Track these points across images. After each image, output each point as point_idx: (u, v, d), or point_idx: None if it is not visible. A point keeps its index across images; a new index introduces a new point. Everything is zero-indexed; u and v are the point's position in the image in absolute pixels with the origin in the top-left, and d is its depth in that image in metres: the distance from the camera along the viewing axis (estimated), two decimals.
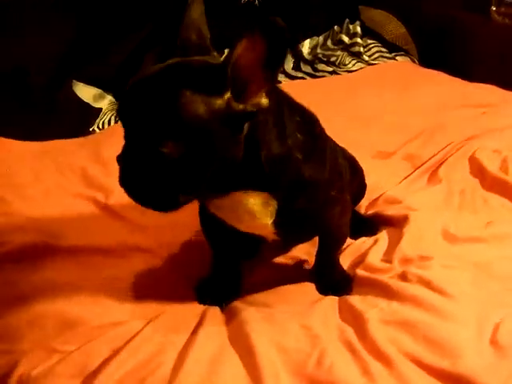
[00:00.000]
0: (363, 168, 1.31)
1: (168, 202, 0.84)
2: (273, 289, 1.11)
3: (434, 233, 1.22)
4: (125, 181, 0.84)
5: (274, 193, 0.90)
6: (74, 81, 1.88)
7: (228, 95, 0.78)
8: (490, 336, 0.95)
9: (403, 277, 1.09)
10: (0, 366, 0.97)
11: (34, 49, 1.81)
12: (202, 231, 1.12)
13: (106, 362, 0.93)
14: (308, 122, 0.95)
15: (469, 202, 1.37)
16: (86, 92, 1.89)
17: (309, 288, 1.12)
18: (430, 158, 1.54)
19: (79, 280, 1.12)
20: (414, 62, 2.35)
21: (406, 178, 1.47)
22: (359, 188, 1.30)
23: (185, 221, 1.21)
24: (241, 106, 0.78)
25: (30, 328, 1.02)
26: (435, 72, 2.13)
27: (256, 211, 0.92)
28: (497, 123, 1.71)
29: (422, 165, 1.52)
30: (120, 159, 0.84)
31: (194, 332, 0.98)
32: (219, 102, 0.77)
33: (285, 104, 0.88)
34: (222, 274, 1.13)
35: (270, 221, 0.94)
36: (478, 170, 1.48)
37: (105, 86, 1.89)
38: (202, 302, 1.09)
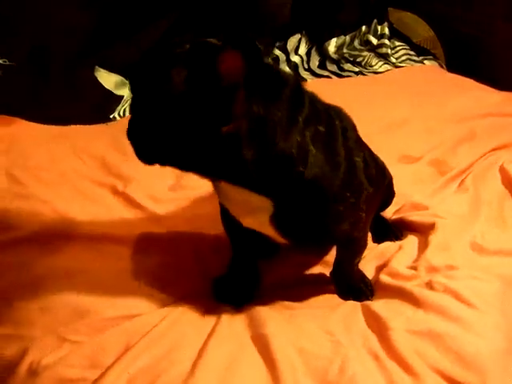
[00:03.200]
0: None
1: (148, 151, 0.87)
2: (294, 290, 1.08)
3: (462, 242, 1.18)
4: (130, 126, 0.89)
5: (268, 194, 0.88)
6: (96, 67, 1.86)
7: None
8: None
9: (429, 285, 1.05)
10: (11, 352, 0.95)
11: (55, 31, 1.79)
12: (222, 225, 1.09)
13: (119, 356, 0.90)
14: (332, 134, 0.91)
15: (497, 212, 1.33)
16: (107, 79, 1.86)
17: (330, 291, 1.09)
18: (457, 166, 1.50)
19: (94, 269, 1.10)
20: (441, 66, 2.30)
21: (432, 184, 1.43)
22: (387, 195, 1.27)
23: (205, 213, 1.18)
24: None
25: (41, 314, 1.00)
26: (464, 78, 2.08)
27: (252, 205, 0.90)
28: None
29: (448, 171, 1.48)
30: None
31: (212, 329, 0.95)
32: None
33: (303, 110, 0.85)
34: (240, 272, 1.10)
35: (265, 218, 0.91)
36: (507, 180, 1.43)
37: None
38: (219, 299, 1.07)
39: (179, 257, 1.13)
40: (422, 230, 1.23)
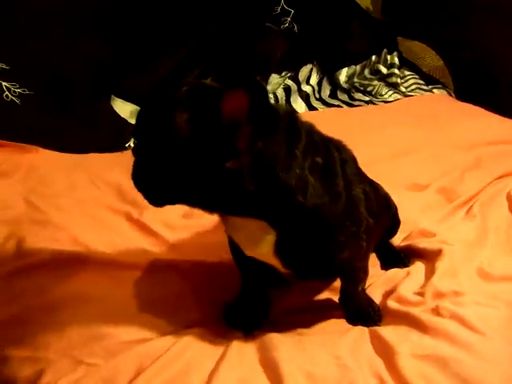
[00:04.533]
0: (396, 199, 1.30)
1: (155, 194, 0.90)
2: (303, 316, 1.10)
3: (469, 269, 1.19)
4: (135, 173, 0.91)
5: (271, 223, 0.91)
6: (112, 96, 1.91)
7: None
8: None
9: (436, 311, 1.07)
10: (26, 374, 0.98)
11: (73, 61, 1.85)
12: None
13: (132, 379, 0.93)
14: (330, 166, 0.93)
15: (504, 239, 1.34)
16: (123, 108, 1.91)
17: (339, 316, 1.11)
18: (464, 193, 1.52)
19: (108, 294, 1.12)
20: (450, 95, 2.33)
21: (440, 211, 1.45)
22: (392, 224, 1.29)
23: (217, 241, 1.21)
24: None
25: (57, 337, 1.03)
26: (472, 106, 2.11)
27: (257, 236, 0.93)
28: None
29: (456, 199, 1.50)
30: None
31: (223, 354, 0.97)
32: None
33: (300, 143, 0.88)
34: (250, 299, 1.12)
35: (268, 249, 0.94)
36: None
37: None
38: (230, 325, 1.09)
39: (192, 283, 1.16)
40: (430, 257, 1.25)
